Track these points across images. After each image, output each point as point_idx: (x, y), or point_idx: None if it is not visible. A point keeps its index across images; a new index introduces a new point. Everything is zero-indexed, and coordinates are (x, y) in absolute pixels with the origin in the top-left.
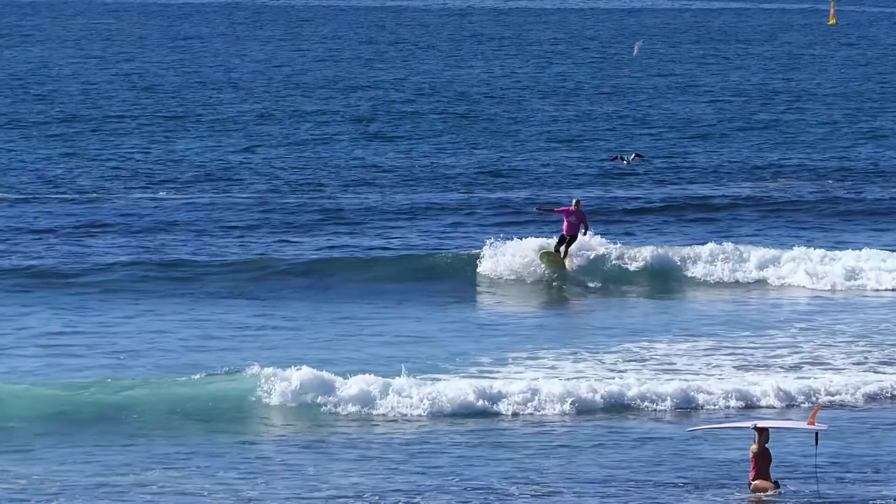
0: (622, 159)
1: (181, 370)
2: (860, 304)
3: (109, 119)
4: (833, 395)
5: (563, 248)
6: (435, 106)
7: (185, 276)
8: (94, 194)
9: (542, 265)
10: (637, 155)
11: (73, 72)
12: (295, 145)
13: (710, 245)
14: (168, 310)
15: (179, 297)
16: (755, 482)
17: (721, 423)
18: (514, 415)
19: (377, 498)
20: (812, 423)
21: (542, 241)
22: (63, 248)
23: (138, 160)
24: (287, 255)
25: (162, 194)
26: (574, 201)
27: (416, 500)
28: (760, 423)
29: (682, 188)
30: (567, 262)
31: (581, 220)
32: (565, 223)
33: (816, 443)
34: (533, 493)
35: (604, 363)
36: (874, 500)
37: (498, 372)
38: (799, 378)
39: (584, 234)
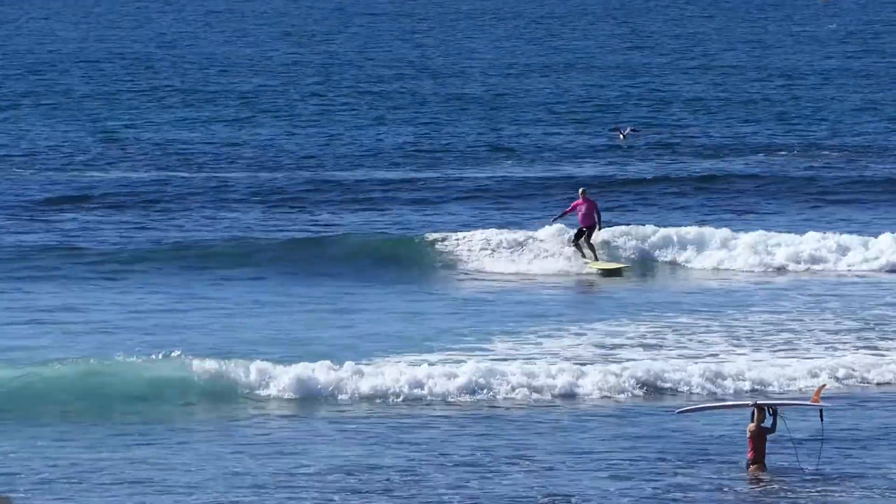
0: (620, 133)
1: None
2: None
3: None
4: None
5: (582, 241)
6: (419, 83)
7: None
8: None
9: (594, 269)
10: (632, 129)
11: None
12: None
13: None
14: (146, 290)
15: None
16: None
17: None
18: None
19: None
20: (816, 401)
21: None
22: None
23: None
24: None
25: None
26: (580, 191)
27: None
28: (761, 402)
29: (678, 163)
30: (587, 251)
31: (592, 208)
32: (579, 216)
33: (822, 419)
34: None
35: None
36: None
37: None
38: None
39: (599, 228)
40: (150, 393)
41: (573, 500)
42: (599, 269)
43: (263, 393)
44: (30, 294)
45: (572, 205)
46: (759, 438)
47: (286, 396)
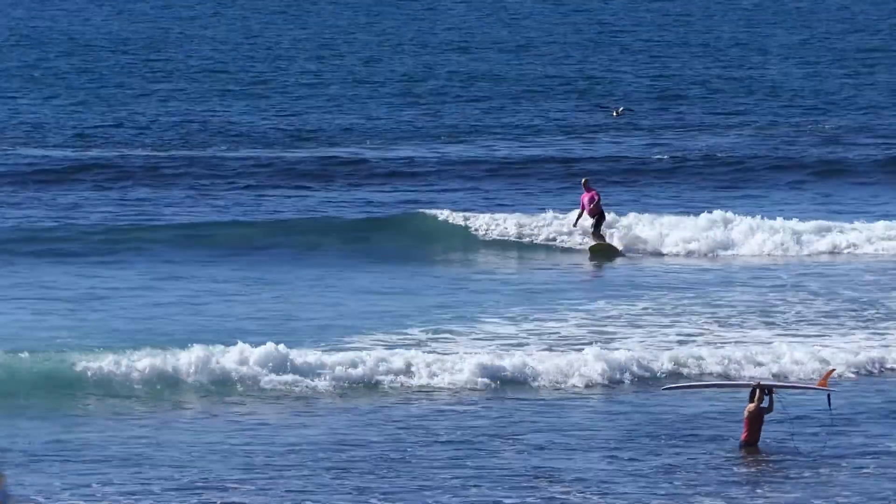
0: (613, 110)
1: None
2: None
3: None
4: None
5: (595, 231)
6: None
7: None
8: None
9: (595, 254)
10: (626, 109)
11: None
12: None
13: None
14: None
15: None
16: None
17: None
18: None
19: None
20: (824, 385)
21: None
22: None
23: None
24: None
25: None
26: (582, 182)
27: None
28: (764, 382)
29: (671, 142)
30: (602, 240)
31: (595, 196)
32: (586, 209)
33: (829, 403)
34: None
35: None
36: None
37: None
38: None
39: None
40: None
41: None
42: (592, 246)
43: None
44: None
45: (582, 198)
46: (756, 420)
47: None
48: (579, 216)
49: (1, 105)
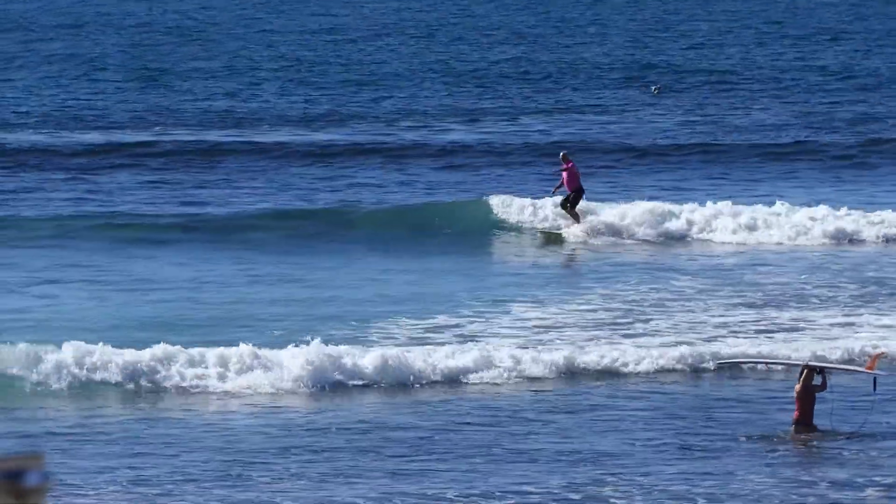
0: (654, 88)
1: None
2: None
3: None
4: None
5: (569, 206)
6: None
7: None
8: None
9: (544, 236)
10: (659, 87)
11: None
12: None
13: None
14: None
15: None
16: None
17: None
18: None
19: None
20: (872, 368)
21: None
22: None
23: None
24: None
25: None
26: (561, 155)
27: None
28: (813, 363)
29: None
30: (575, 217)
31: (573, 170)
32: (564, 181)
33: (875, 387)
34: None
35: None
36: None
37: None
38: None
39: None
40: None
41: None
42: (543, 230)
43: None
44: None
45: (564, 175)
46: (806, 399)
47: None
48: (557, 187)
49: (45, 89)
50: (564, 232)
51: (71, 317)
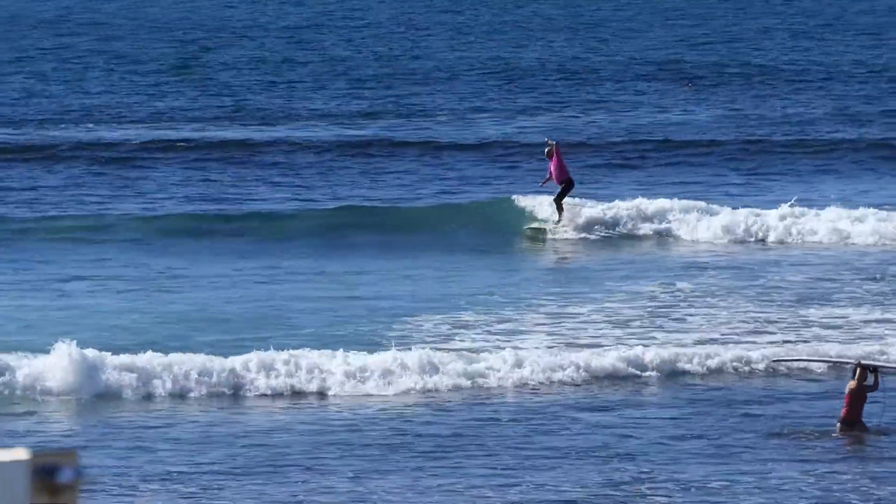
0: (686, 83)
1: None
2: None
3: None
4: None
5: (557, 198)
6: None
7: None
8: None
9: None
10: (690, 83)
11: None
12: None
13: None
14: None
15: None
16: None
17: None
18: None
19: None
20: None
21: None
22: None
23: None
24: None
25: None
26: (546, 151)
27: None
28: (866, 362)
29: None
30: (560, 213)
31: (561, 162)
32: (553, 173)
33: None
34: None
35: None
36: None
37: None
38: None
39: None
40: None
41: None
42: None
43: None
44: None
45: (551, 168)
46: (857, 398)
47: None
48: (546, 181)
49: (85, 86)
50: (558, 227)
51: (131, 318)
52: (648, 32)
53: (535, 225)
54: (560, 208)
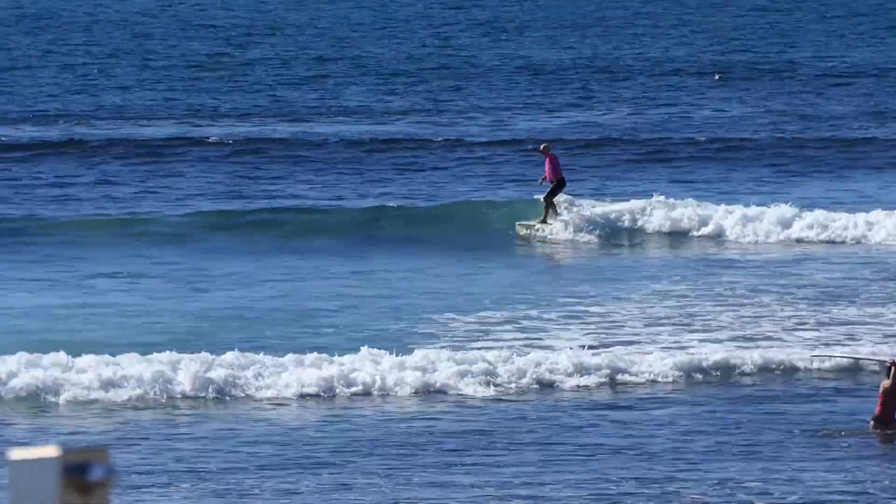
0: (717, 75)
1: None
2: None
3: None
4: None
5: (548, 196)
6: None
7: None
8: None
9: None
10: (721, 75)
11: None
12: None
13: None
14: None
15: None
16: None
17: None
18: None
19: None
20: None
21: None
22: None
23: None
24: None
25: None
26: (542, 148)
27: None
28: None
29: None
30: (547, 209)
31: (555, 161)
32: (546, 172)
33: None
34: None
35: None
36: None
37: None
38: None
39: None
40: None
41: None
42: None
43: None
44: None
45: (546, 166)
46: (891, 396)
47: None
48: (543, 179)
49: (114, 82)
50: (546, 226)
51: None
52: (680, 27)
53: (561, 225)
54: (548, 206)
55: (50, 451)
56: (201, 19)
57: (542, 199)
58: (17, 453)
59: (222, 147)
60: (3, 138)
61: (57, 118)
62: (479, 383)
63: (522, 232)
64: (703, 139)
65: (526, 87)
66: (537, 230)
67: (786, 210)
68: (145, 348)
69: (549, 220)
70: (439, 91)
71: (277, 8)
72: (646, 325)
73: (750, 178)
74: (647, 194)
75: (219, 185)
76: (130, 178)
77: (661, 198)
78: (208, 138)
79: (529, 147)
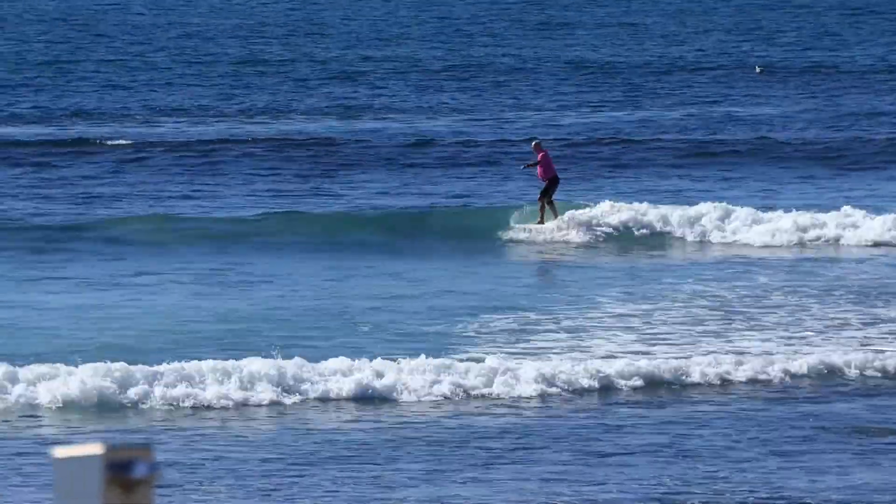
0: (756, 67)
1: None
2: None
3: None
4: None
5: (542, 196)
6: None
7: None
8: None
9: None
10: (763, 68)
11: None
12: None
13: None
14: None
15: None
16: None
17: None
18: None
19: None
20: None
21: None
22: None
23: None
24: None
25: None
26: (533, 145)
27: None
28: None
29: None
30: (545, 208)
31: (547, 159)
32: (539, 171)
33: None
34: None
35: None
36: None
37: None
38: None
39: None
40: None
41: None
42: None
43: None
44: None
45: (543, 164)
46: None
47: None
48: (527, 166)
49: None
50: (542, 227)
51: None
52: (724, 22)
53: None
54: (543, 207)
55: (94, 448)
56: (255, 18)
57: (540, 202)
58: (61, 451)
59: (268, 144)
60: (49, 136)
61: (106, 118)
62: (530, 381)
63: (522, 235)
64: (751, 138)
65: (570, 85)
66: (530, 231)
67: (845, 212)
68: (180, 346)
69: (545, 221)
70: (487, 89)
71: (326, 7)
72: (687, 326)
73: (798, 178)
74: (685, 196)
75: (259, 184)
76: (178, 178)
77: (712, 205)
78: (250, 140)
79: (532, 145)
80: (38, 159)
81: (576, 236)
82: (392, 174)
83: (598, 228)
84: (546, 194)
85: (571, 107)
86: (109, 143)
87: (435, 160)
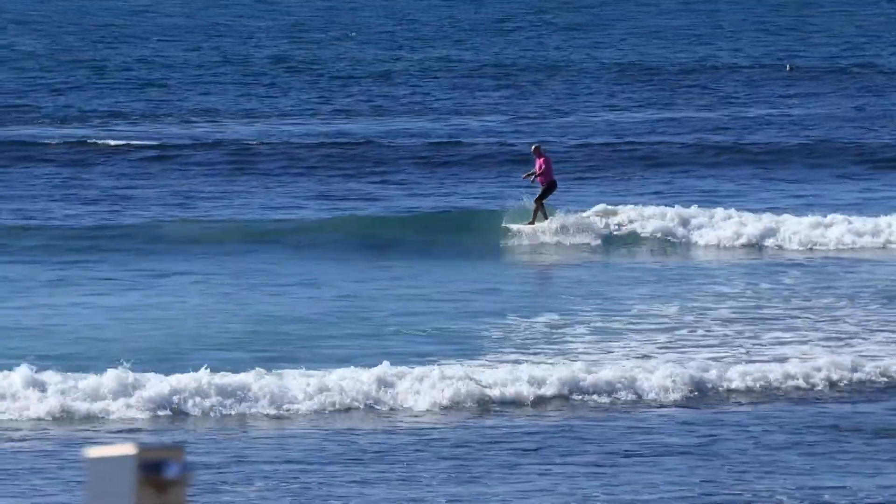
0: (787, 65)
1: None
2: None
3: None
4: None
5: (538, 199)
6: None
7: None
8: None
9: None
10: (793, 66)
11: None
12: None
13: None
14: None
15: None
16: None
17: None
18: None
19: None
20: None
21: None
22: None
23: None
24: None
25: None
26: (532, 149)
27: None
28: None
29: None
30: (537, 212)
31: (546, 163)
32: (539, 175)
33: None
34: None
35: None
36: None
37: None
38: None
39: (531, 178)
40: None
41: None
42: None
43: None
44: None
45: (541, 167)
46: None
47: None
48: (530, 176)
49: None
50: (535, 228)
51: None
52: (756, 21)
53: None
54: (538, 209)
55: (126, 448)
56: (290, 19)
57: (537, 205)
58: (93, 451)
59: (300, 149)
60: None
61: (138, 119)
62: (557, 385)
63: (511, 235)
64: (790, 142)
65: (602, 87)
66: (519, 231)
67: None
68: (214, 345)
69: (536, 222)
70: (526, 88)
71: (365, 7)
72: (717, 329)
73: (836, 176)
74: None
75: (292, 185)
76: (213, 180)
77: (733, 211)
78: (281, 143)
79: (532, 149)
80: (71, 157)
81: (591, 239)
82: (424, 175)
83: (640, 232)
84: (541, 197)
85: (605, 108)
86: (142, 143)
87: (468, 159)
